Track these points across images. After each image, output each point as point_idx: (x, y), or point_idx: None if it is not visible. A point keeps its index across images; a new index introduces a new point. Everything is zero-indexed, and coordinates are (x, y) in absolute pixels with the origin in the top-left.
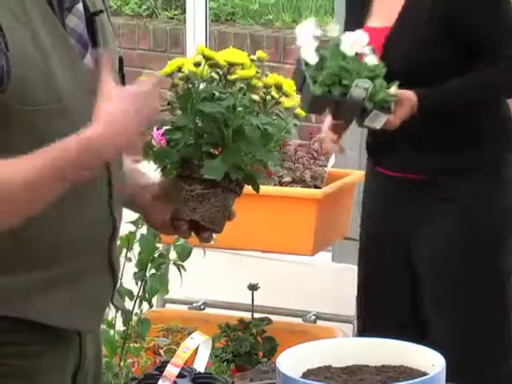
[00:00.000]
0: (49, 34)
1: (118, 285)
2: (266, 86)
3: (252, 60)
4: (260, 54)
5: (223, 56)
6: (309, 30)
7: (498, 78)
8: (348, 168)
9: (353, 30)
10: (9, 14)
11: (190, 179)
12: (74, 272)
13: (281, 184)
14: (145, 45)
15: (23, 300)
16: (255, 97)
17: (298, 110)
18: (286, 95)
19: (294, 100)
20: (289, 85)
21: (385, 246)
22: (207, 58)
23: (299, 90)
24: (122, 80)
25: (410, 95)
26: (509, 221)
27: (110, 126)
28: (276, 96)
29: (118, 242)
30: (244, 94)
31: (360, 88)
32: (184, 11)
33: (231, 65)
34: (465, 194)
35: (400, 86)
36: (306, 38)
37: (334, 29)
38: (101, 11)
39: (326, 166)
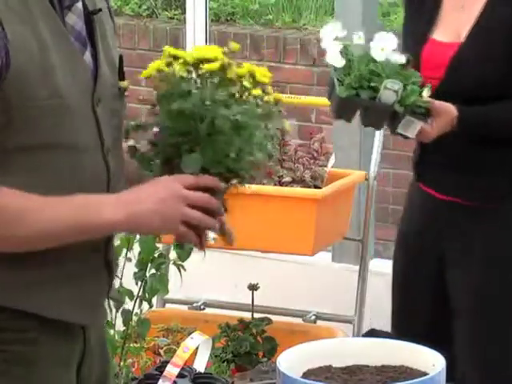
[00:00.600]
0: (49, 31)
1: (118, 285)
2: (239, 76)
3: (224, 53)
4: (232, 45)
5: (192, 53)
6: (332, 32)
7: None
8: (348, 168)
9: (415, 41)
10: (10, 11)
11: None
12: (72, 272)
13: (281, 184)
14: (145, 45)
15: (22, 294)
16: (234, 89)
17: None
18: (260, 83)
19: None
20: (262, 73)
21: (420, 266)
22: (175, 57)
23: (329, 96)
24: (122, 78)
25: (450, 108)
26: None
27: (140, 206)
28: (248, 85)
29: (118, 242)
30: (217, 88)
31: (389, 90)
32: (184, 11)
33: (201, 61)
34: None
35: (464, 105)
36: (330, 40)
37: (359, 37)
38: (99, 10)
39: (325, 166)
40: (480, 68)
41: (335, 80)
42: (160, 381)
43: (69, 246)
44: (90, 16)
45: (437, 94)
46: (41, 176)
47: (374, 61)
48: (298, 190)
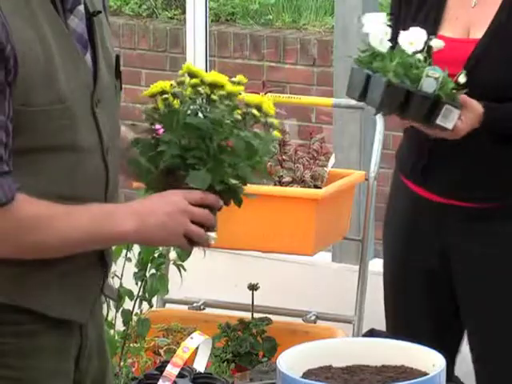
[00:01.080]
0: (54, 35)
1: (118, 285)
2: (248, 105)
3: (233, 82)
4: (240, 78)
5: (207, 76)
6: (378, 19)
7: None
8: (348, 168)
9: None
10: (17, 15)
11: (175, 188)
12: (65, 268)
13: (281, 184)
14: (145, 45)
15: (19, 290)
16: (236, 115)
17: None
18: (266, 115)
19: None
20: (268, 105)
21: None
22: (193, 75)
23: (361, 95)
24: (119, 77)
25: (476, 103)
26: None
27: (148, 218)
28: (257, 114)
29: None
30: (229, 112)
31: (431, 78)
32: (184, 11)
33: (214, 86)
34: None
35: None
36: (376, 26)
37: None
38: (99, 12)
39: (325, 166)
40: (501, 67)
41: (370, 73)
42: (160, 381)
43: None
44: (90, 18)
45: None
46: (42, 178)
47: (408, 55)
48: (298, 190)
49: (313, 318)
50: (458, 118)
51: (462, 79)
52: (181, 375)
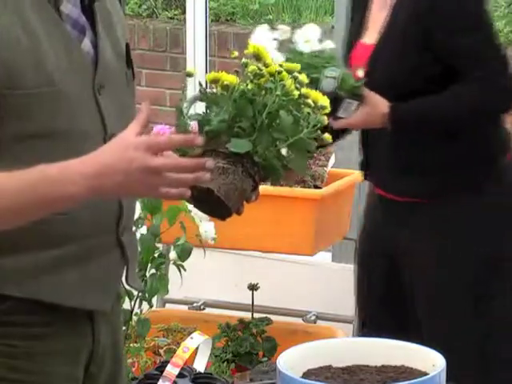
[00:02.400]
0: (40, 20)
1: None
2: (305, 96)
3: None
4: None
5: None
6: (264, 34)
7: (469, 97)
8: (348, 168)
9: (346, 47)
10: None
11: (215, 153)
12: (83, 251)
13: (281, 184)
14: (145, 45)
15: (32, 279)
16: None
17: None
18: (319, 109)
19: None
20: (324, 100)
21: (376, 266)
22: (257, 58)
23: None
24: (129, 66)
25: (380, 102)
26: (499, 243)
27: (102, 181)
28: (312, 105)
29: None
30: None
31: (329, 78)
32: (184, 11)
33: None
34: (451, 218)
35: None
36: (265, 40)
37: (286, 30)
38: None
39: (326, 166)
40: (390, 64)
41: None
42: (160, 381)
43: (74, 226)
44: (91, 5)
45: None
46: (42, 163)
47: (305, 55)
48: (298, 190)
49: (313, 318)
50: (355, 109)
51: (361, 73)
52: (181, 375)
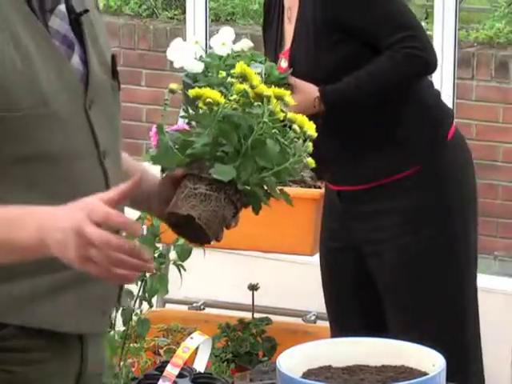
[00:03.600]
0: (31, 37)
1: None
2: (290, 120)
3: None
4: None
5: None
6: (179, 47)
7: (389, 69)
8: None
9: (273, 59)
10: None
11: (197, 178)
12: (79, 275)
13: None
14: (145, 45)
15: (28, 307)
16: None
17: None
18: (305, 133)
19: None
20: (310, 126)
21: (338, 260)
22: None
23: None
24: (115, 77)
25: (310, 87)
26: (455, 222)
27: (47, 234)
28: (298, 131)
29: None
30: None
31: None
32: (184, 11)
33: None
34: (400, 201)
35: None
36: (181, 52)
37: (196, 40)
38: (86, 11)
39: None
40: (307, 64)
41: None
42: (160, 381)
43: None
44: (77, 18)
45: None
46: (38, 187)
47: (225, 58)
48: (298, 190)
49: (313, 318)
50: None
51: (284, 64)
52: (181, 375)
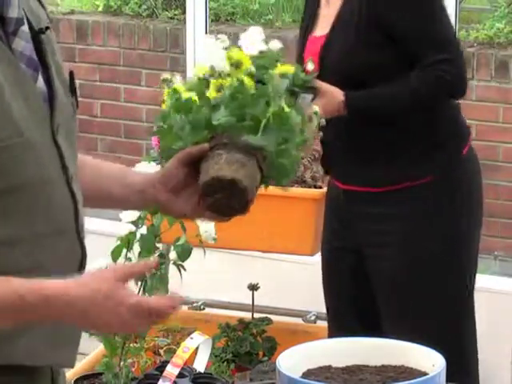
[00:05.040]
0: None
1: None
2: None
3: None
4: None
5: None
6: (212, 45)
7: (417, 89)
8: None
9: (300, 42)
10: None
11: (229, 146)
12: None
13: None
14: (145, 45)
15: (7, 344)
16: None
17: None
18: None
19: None
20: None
21: (339, 259)
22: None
23: None
24: (73, 94)
25: (336, 91)
26: (460, 235)
27: (91, 320)
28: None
29: (118, 242)
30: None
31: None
32: (184, 11)
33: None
34: (410, 208)
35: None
36: (212, 50)
37: (224, 39)
38: (47, 28)
39: None
40: (342, 53)
41: None
42: (160, 381)
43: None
44: (37, 36)
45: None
46: (11, 218)
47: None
48: (298, 190)
49: (313, 318)
50: (311, 102)
51: (311, 67)
52: (181, 375)
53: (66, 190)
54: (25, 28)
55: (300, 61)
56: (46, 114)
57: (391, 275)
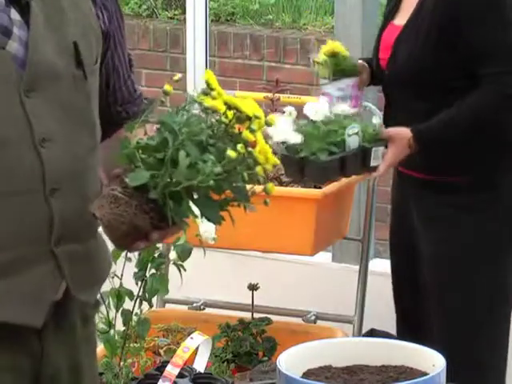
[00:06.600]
0: None
1: (118, 285)
2: (253, 146)
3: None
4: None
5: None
6: (284, 123)
7: (487, 103)
8: None
9: (380, 28)
10: None
11: (119, 180)
12: (7, 263)
13: (281, 184)
14: (145, 45)
15: None
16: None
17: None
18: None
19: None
20: (273, 160)
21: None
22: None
23: (290, 174)
24: (79, 66)
25: (403, 131)
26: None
27: None
28: (241, 151)
29: None
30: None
31: (352, 135)
32: (184, 11)
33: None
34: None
35: (406, 88)
36: (283, 125)
37: (291, 110)
38: None
39: None
40: (414, 48)
41: (298, 156)
42: (160, 381)
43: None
44: (28, 3)
45: (387, 77)
46: None
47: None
48: (297, 190)
49: (313, 318)
50: (384, 152)
51: (376, 120)
52: (181, 375)
53: (31, 152)
54: None
55: (375, 51)
56: (12, 78)
57: (440, 264)
